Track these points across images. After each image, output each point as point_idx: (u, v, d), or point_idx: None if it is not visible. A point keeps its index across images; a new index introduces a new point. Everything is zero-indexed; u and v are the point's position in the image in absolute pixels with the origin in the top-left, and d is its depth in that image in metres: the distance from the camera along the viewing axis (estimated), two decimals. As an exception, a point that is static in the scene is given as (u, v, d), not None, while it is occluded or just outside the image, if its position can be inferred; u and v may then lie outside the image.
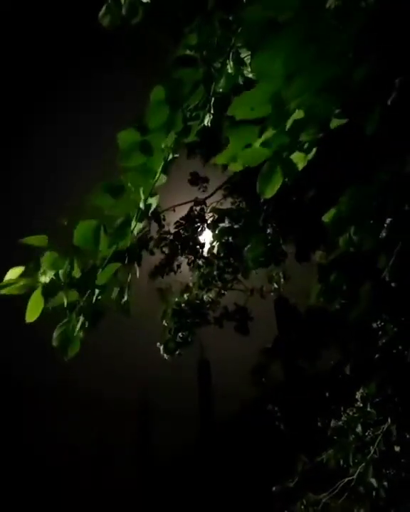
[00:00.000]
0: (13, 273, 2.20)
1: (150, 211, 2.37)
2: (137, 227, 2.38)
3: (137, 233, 2.39)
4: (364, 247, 4.09)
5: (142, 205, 2.34)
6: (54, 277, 2.22)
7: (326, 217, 4.01)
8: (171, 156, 2.51)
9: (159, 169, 2.45)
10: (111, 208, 2.35)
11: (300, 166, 2.26)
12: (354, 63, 2.13)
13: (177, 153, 2.56)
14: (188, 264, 9.26)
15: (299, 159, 2.26)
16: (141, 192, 2.36)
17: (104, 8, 3.75)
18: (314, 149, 2.27)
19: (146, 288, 9.08)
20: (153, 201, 2.39)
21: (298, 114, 2.15)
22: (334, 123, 2.27)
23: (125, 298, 2.33)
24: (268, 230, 8.06)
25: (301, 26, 2.01)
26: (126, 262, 2.38)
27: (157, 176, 2.42)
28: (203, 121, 2.66)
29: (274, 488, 8.12)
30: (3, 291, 2.20)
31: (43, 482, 20.24)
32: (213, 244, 8.62)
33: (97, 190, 2.35)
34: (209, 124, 2.67)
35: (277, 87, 2.12)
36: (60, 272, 2.23)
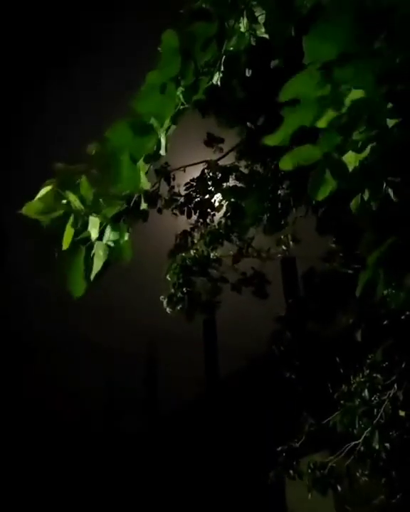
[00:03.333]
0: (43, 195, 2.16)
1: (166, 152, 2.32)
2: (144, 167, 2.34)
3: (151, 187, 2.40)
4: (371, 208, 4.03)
5: (163, 150, 2.32)
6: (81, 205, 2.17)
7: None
8: (181, 106, 2.49)
9: (171, 112, 2.43)
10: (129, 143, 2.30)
11: (351, 167, 2.20)
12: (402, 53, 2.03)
13: (187, 105, 2.54)
14: (195, 230, 9.21)
15: (351, 160, 2.21)
16: (161, 133, 2.34)
17: None
18: (368, 148, 2.21)
19: (160, 249, 9.11)
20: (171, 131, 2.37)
21: (355, 94, 2.08)
22: (391, 122, 2.18)
23: (125, 238, 2.27)
24: (279, 192, 7.98)
25: (351, 9, 1.96)
26: (130, 216, 2.40)
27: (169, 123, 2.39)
28: (212, 78, 2.63)
29: (279, 448, 8.19)
30: (33, 215, 2.17)
31: (50, 433, 20.58)
32: (221, 202, 8.60)
33: (117, 125, 2.32)
34: (218, 83, 2.63)
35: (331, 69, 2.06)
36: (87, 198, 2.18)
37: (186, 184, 9.20)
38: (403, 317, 7.05)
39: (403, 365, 7.13)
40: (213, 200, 9.12)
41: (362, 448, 7.11)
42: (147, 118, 2.34)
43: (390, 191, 3.94)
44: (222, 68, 2.64)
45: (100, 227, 2.20)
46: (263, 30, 2.87)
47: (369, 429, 7.07)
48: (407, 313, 7.02)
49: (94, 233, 2.18)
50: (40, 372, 21.09)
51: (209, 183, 9.19)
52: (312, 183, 2.19)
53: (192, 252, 8.71)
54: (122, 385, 22.20)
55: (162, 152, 2.33)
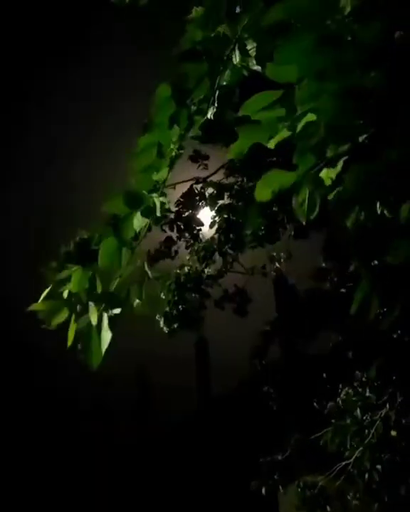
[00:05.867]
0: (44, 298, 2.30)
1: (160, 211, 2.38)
2: (141, 221, 2.40)
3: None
4: (369, 225, 4.05)
5: (158, 211, 2.38)
6: (80, 295, 2.31)
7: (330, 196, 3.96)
8: (175, 153, 2.53)
9: (166, 168, 2.48)
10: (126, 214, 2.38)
11: (329, 181, 2.23)
12: (370, 69, 2.06)
13: (182, 150, 2.58)
14: (187, 247, 9.22)
15: (327, 176, 2.22)
16: (154, 198, 2.40)
17: None
18: (341, 161, 2.23)
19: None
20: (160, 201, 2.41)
21: (310, 117, 2.10)
22: (361, 136, 2.22)
23: (143, 294, 2.36)
24: (273, 209, 8.01)
25: (314, 29, 1.97)
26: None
27: (165, 174, 2.46)
28: (206, 114, 2.64)
29: (261, 460, 8.19)
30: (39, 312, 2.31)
31: (41, 454, 20.48)
32: (215, 218, 8.61)
33: (113, 198, 2.38)
34: (212, 117, 2.65)
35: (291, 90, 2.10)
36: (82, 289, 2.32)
37: (176, 201, 9.25)
38: (395, 335, 7.06)
39: (395, 384, 7.12)
40: (199, 216, 9.18)
41: (353, 469, 7.07)
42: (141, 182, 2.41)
43: (385, 210, 3.95)
44: (216, 103, 2.66)
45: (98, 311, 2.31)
46: (254, 62, 2.91)
47: (360, 448, 7.04)
48: (399, 331, 7.03)
49: (93, 320, 2.28)
50: (31, 393, 21.01)
51: (197, 198, 9.25)
52: (298, 206, 2.20)
53: (186, 268, 8.69)
54: (114, 406, 22.13)
55: (158, 214, 2.37)
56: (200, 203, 9.33)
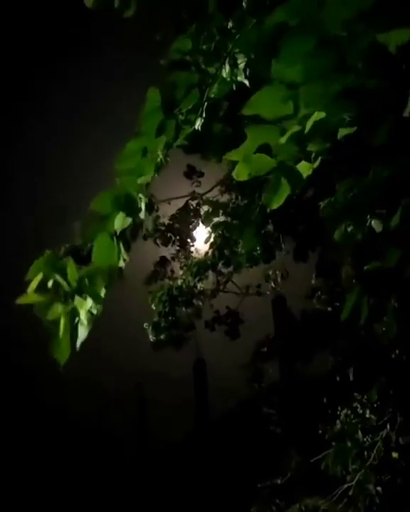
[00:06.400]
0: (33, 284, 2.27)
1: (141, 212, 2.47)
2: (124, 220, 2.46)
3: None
4: (355, 238, 4.08)
5: (143, 211, 2.47)
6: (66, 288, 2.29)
7: (322, 206, 3.98)
8: (161, 160, 2.57)
9: (151, 172, 2.52)
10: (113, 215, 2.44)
11: (305, 175, 2.25)
12: (367, 72, 2.09)
13: (168, 158, 2.61)
14: (180, 265, 9.21)
15: (304, 169, 2.24)
16: (140, 197, 2.47)
17: None
18: (319, 159, 2.25)
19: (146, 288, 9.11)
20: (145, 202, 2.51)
21: (319, 115, 2.10)
22: (343, 132, 2.23)
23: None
24: (268, 227, 7.98)
25: (315, 31, 1.99)
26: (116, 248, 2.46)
27: (149, 177, 2.50)
28: (194, 124, 2.71)
29: (259, 485, 8.06)
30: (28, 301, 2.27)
31: (38, 472, 20.38)
32: (210, 234, 8.59)
33: (102, 199, 2.44)
34: (199, 128, 2.72)
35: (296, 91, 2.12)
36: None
37: (171, 215, 9.26)
38: (393, 356, 6.94)
39: (395, 405, 7.00)
40: (196, 232, 9.19)
41: (353, 492, 6.93)
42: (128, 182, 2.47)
43: (373, 222, 3.94)
44: (204, 114, 2.72)
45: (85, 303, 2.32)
46: (243, 75, 2.90)
47: (362, 471, 6.90)
48: (397, 351, 6.92)
49: (82, 314, 2.28)
50: (28, 411, 20.92)
51: (192, 215, 9.26)
52: (267, 192, 2.23)
53: (179, 281, 8.67)
54: (111, 426, 22.03)
55: (141, 215, 2.45)
56: (195, 220, 9.34)
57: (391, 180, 3.86)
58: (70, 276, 2.29)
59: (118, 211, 2.44)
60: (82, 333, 2.27)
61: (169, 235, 9.31)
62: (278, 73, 2.10)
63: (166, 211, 9.39)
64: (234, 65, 2.77)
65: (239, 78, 2.80)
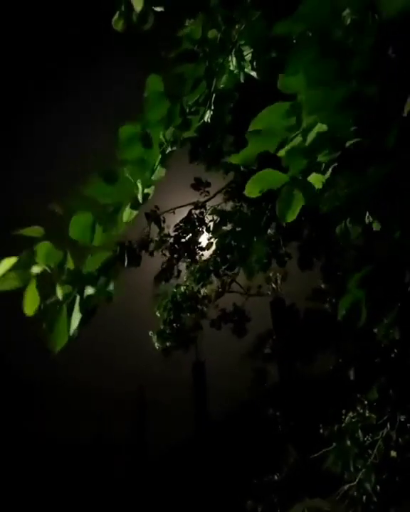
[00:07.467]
0: (6, 265, 2.09)
1: (146, 200, 2.34)
2: (129, 214, 2.36)
3: (128, 223, 2.36)
4: (353, 236, 4.12)
5: (139, 197, 2.32)
6: (48, 269, 2.13)
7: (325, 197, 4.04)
8: (169, 149, 2.50)
9: (157, 162, 2.44)
10: (105, 196, 2.31)
11: (319, 185, 2.25)
12: (369, 78, 2.12)
13: (175, 147, 2.55)
14: (187, 266, 9.26)
15: (316, 180, 2.24)
16: (139, 184, 2.34)
17: (117, 14, 3.73)
18: (330, 169, 2.26)
19: (150, 291, 9.14)
20: (149, 191, 2.38)
21: (320, 128, 2.14)
22: (350, 141, 2.26)
23: (110, 287, 2.25)
24: (270, 231, 8.05)
25: (316, 40, 2.03)
26: (126, 264, 2.42)
27: (156, 168, 2.41)
28: (203, 117, 2.66)
29: (255, 481, 8.10)
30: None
31: (38, 476, 20.30)
32: (211, 240, 8.66)
33: (92, 179, 2.31)
34: (209, 120, 2.68)
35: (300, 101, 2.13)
36: (54, 264, 2.15)
37: (175, 225, 9.30)
38: (393, 355, 7.03)
39: (395, 403, 7.07)
40: (200, 240, 9.23)
41: (356, 492, 6.98)
42: (131, 173, 2.36)
43: (372, 221, 4.03)
44: (212, 107, 2.69)
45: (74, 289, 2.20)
46: (250, 67, 2.90)
47: (363, 470, 6.96)
48: (396, 351, 7.01)
49: (60, 296, 2.15)
50: (30, 418, 20.88)
51: (196, 223, 9.30)
52: (280, 205, 2.21)
53: (182, 288, 8.72)
54: (111, 430, 21.99)
55: (140, 199, 2.33)
56: (199, 228, 9.38)
57: (390, 178, 3.95)
58: (46, 260, 2.14)
59: (123, 203, 2.33)
60: (76, 319, 2.17)
61: (175, 246, 9.34)
62: (283, 85, 2.14)
63: (169, 221, 9.46)
64: (241, 57, 2.77)
65: (246, 70, 2.80)
